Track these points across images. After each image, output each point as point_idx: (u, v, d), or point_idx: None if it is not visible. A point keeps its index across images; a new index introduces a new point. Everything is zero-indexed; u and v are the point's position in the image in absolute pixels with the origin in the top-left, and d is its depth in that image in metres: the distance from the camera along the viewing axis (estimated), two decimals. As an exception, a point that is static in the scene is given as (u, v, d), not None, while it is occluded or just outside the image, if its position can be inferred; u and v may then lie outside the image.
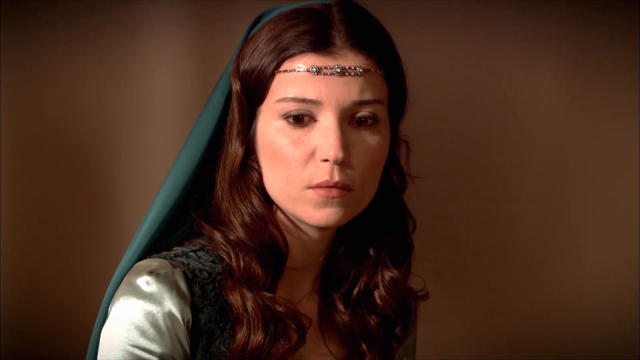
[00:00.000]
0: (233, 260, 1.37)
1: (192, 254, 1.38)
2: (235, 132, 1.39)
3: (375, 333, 1.50)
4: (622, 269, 2.12)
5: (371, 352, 1.49)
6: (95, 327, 1.41)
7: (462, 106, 1.94)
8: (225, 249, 1.38)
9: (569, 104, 2.05)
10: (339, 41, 1.34)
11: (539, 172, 2.09)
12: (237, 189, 1.39)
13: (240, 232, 1.38)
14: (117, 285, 1.36)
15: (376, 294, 1.49)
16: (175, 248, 1.40)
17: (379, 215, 1.47)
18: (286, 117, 1.34)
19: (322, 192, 1.34)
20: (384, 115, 1.38)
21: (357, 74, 1.34)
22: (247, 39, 1.41)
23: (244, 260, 1.37)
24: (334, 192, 1.34)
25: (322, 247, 1.47)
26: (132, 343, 1.30)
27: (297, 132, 1.34)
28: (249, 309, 1.34)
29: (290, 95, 1.33)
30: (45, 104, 1.88)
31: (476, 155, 2.04)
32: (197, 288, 1.35)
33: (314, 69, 1.32)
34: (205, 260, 1.38)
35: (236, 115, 1.39)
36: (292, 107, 1.33)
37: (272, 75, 1.35)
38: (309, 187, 1.35)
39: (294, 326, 1.37)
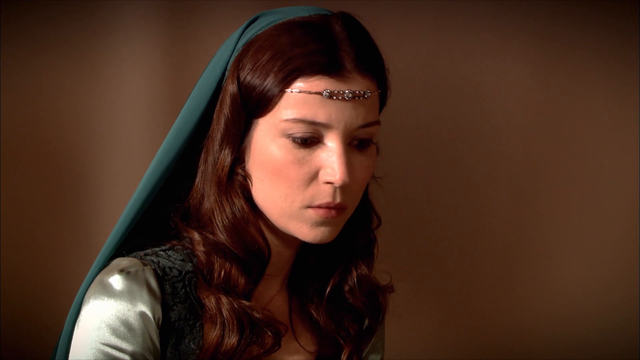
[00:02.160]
0: (214, 265, 1.38)
1: (161, 252, 1.40)
2: (225, 137, 1.37)
3: (350, 326, 1.52)
4: (595, 264, 2.12)
5: (347, 345, 1.51)
6: (65, 325, 1.42)
7: (431, 101, 1.94)
8: (204, 250, 1.39)
9: (540, 98, 2.06)
10: (348, 64, 1.33)
11: (510, 168, 2.08)
12: (224, 193, 1.38)
13: (223, 235, 1.38)
14: (89, 284, 1.38)
15: (346, 288, 1.50)
16: (146, 247, 1.41)
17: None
18: (292, 137, 1.33)
19: (322, 212, 1.35)
20: (376, 132, 1.39)
21: (365, 98, 1.34)
22: (247, 44, 1.37)
23: (224, 267, 1.38)
24: (333, 212, 1.36)
25: (294, 250, 1.48)
26: (103, 341, 1.32)
27: (302, 152, 1.34)
28: (225, 313, 1.36)
29: (300, 117, 1.32)
30: (22, 109, 1.90)
31: (446, 151, 2.04)
32: (168, 286, 1.36)
33: (326, 93, 1.31)
34: (175, 258, 1.39)
35: (228, 120, 1.37)
36: (300, 128, 1.32)
37: (279, 93, 1.32)
38: (309, 207, 1.36)
39: (270, 333, 1.39)
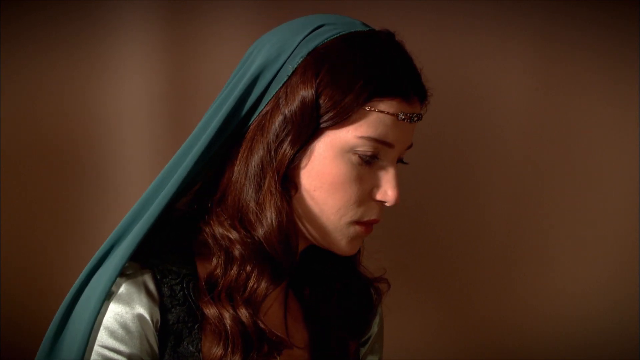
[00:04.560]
0: (234, 267, 1.38)
1: (160, 253, 1.39)
2: (286, 135, 1.36)
3: (344, 321, 1.52)
4: (595, 265, 2.12)
5: (343, 339, 1.51)
6: (55, 318, 1.41)
7: (431, 101, 1.95)
8: (241, 250, 1.37)
9: (540, 98, 2.05)
10: (415, 89, 1.38)
11: (510, 168, 2.08)
12: (278, 191, 1.36)
13: (269, 236, 1.37)
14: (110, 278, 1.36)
15: (339, 284, 1.52)
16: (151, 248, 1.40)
17: None
18: (360, 154, 1.35)
19: (366, 228, 1.39)
20: None
21: (420, 121, 1.40)
22: (315, 52, 1.37)
23: (246, 270, 1.37)
24: (371, 227, 1.40)
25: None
26: (100, 344, 1.32)
27: (365, 170, 1.37)
28: (228, 327, 1.36)
29: (374, 136, 1.35)
30: (22, 109, 1.90)
31: (446, 151, 2.04)
32: (166, 288, 1.36)
33: (402, 116, 1.36)
34: (174, 260, 1.39)
35: (294, 119, 1.36)
36: (370, 147, 1.35)
37: (358, 108, 1.35)
38: (357, 223, 1.38)
39: (271, 344, 1.39)
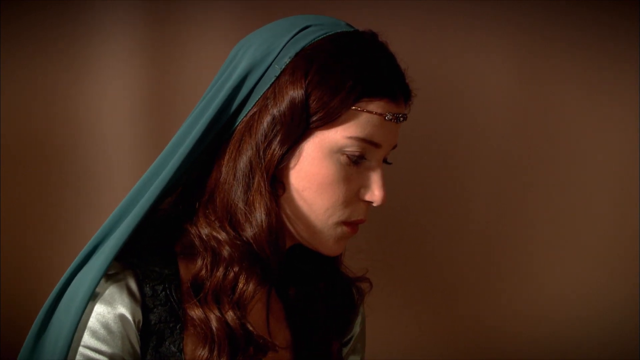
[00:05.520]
0: (222, 267, 1.38)
1: (143, 253, 1.40)
2: (274, 135, 1.37)
3: (327, 320, 1.52)
4: (583, 265, 2.11)
5: (326, 337, 1.52)
6: (38, 317, 1.40)
7: (415, 99, 1.95)
8: (230, 251, 1.37)
9: (525, 94, 2.05)
10: (401, 89, 1.40)
11: (495, 166, 2.08)
12: (266, 190, 1.37)
13: (258, 236, 1.37)
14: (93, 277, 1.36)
15: (322, 284, 1.52)
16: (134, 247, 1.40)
17: None
18: (349, 154, 1.37)
19: (352, 228, 1.40)
20: None
21: (405, 121, 1.41)
22: (302, 53, 1.38)
23: (234, 271, 1.37)
24: (357, 228, 1.41)
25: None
26: (82, 344, 1.32)
27: (352, 170, 1.38)
28: (214, 329, 1.36)
29: (362, 136, 1.36)
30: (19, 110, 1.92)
31: (429, 150, 2.04)
32: (148, 288, 1.36)
33: (389, 116, 1.37)
34: (156, 260, 1.40)
35: (283, 119, 1.36)
36: (360, 147, 1.37)
37: (347, 108, 1.36)
38: (344, 223, 1.39)
39: (258, 348, 1.39)
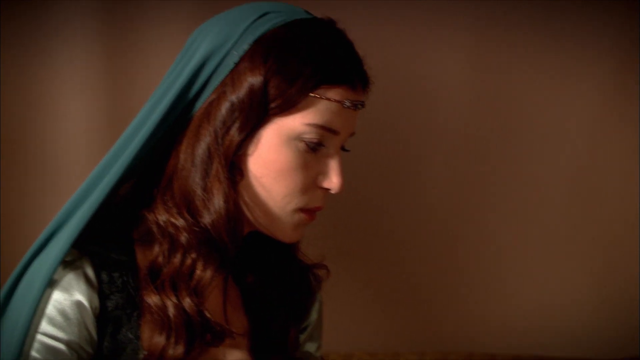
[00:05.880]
0: (180, 254, 1.38)
1: (100, 240, 1.39)
2: (233, 121, 1.37)
3: (284, 306, 1.53)
4: (539, 247, 2.13)
5: (282, 324, 1.52)
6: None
7: (372, 93, 1.97)
8: (188, 238, 1.37)
9: (480, 84, 2.07)
10: (360, 76, 1.40)
11: (452, 154, 2.10)
12: (225, 177, 1.37)
13: (216, 222, 1.37)
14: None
15: (279, 271, 1.53)
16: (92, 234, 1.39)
17: None
18: (307, 141, 1.37)
19: (310, 215, 1.41)
20: None
21: (363, 108, 1.42)
22: (261, 40, 1.38)
23: (192, 257, 1.38)
24: (314, 215, 1.42)
25: None
26: (40, 331, 1.32)
27: (310, 157, 1.38)
28: (171, 316, 1.36)
29: (320, 123, 1.36)
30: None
31: (386, 138, 2.05)
32: (105, 275, 1.36)
33: (347, 103, 1.38)
34: (113, 247, 1.39)
35: (242, 106, 1.36)
36: (319, 134, 1.37)
37: (305, 95, 1.36)
38: (301, 210, 1.40)
39: (215, 334, 1.40)
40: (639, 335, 2.16)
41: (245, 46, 1.37)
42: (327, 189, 1.41)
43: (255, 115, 1.36)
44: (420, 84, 2.06)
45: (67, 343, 1.32)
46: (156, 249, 1.39)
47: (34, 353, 1.32)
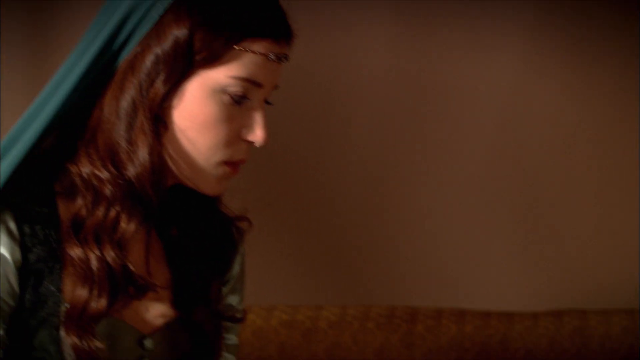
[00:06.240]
0: (103, 207, 1.38)
1: (22, 193, 1.39)
2: (158, 72, 1.36)
3: (206, 261, 1.54)
4: (454, 216, 2.17)
5: (202, 278, 1.53)
6: None
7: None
8: (112, 190, 1.38)
9: (394, 80, 2.09)
10: (284, 29, 1.41)
11: (374, 114, 2.12)
12: (150, 129, 1.37)
13: (141, 175, 1.38)
14: None
15: (201, 224, 1.53)
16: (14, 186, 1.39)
17: None
18: (231, 94, 1.37)
19: (235, 169, 1.42)
20: None
21: (287, 61, 1.42)
22: None
23: (116, 210, 1.38)
24: (238, 168, 1.42)
25: None
26: None
27: (235, 110, 1.38)
28: (95, 269, 1.37)
29: (245, 76, 1.37)
30: None
31: (310, 91, 2.07)
32: (27, 228, 1.36)
33: (272, 56, 1.38)
34: (35, 199, 1.39)
35: (166, 58, 1.36)
36: (241, 87, 1.37)
37: (230, 48, 1.37)
38: (225, 163, 1.40)
39: (138, 288, 1.41)
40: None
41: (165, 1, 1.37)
42: (251, 142, 1.41)
43: (180, 67, 1.36)
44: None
45: None
46: (79, 201, 1.39)
47: (-46, 305, 1.31)
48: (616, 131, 2.34)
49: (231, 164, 1.42)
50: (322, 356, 2.19)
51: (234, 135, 1.40)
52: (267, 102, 1.45)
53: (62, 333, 1.36)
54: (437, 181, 2.21)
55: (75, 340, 1.36)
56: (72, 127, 1.42)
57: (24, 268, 1.36)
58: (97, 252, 1.37)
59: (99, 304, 1.36)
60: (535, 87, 2.22)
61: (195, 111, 1.38)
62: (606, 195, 2.36)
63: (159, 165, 1.38)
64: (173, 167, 1.42)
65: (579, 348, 2.26)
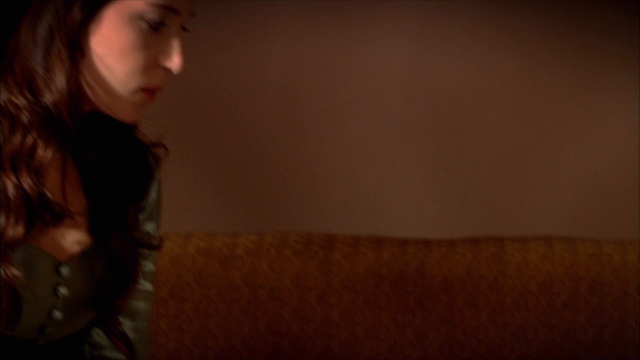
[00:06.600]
0: (19, 134, 1.36)
1: None
2: (78, 1, 1.35)
3: (122, 187, 1.53)
4: (373, 144, 2.19)
5: (118, 204, 1.52)
6: None
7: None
8: (29, 118, 1.36)
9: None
10: None
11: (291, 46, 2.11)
12: (67, 54, 1.36)
13: (59, 102, 1.36)
14: None
15: (117, 150, 1.52)
16: None
17: None
18: (148, 20, 1.36)
19: (151, 96, 1.41)
20: None
21: None
22: None
23: (33, 136, 1.36)
24: (155, 95, 1.42)
25: None
26: None
27: (152, 36, 1.38)
28: (11, 197, 1.35)
29: (162, 3, 1.36)
30: None
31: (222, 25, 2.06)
32: None
33: None
34: None
35: None
36: (160, 13, 1.37)
37: None
38: (143, 90, 1.40)
39: (54, 215, 1.39)
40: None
41: None
42: (168, 69, 1.41)
43: None
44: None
45: None
46: None
47: None
48: (528, 64, 2.38)
49: (148, 91, 1.41)
50: (239, 283, 2.19)
51: (151, 62, 1.39)
52: (183, 29, 1.44)
53: (-22, 260, 1.34)
54: (354, 109, 2.21)
55: None
56: None
57: None
58: (14, 180, 1.35)
59: (16, 231, 1.35)
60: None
61: (113, 38, 1.37)
62: (520, 121, 2.39)
63: (75, 92, 1.37)
64: (90, 94, 1.41)
65: (496, 275, 2.30)
